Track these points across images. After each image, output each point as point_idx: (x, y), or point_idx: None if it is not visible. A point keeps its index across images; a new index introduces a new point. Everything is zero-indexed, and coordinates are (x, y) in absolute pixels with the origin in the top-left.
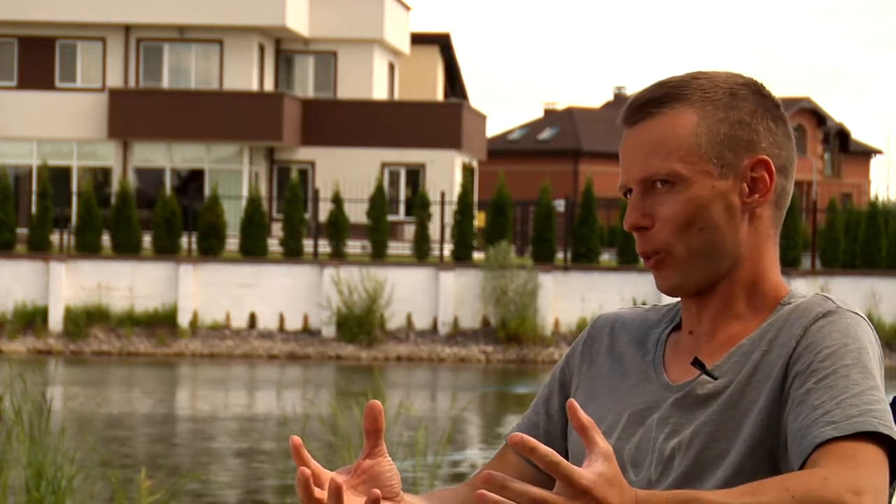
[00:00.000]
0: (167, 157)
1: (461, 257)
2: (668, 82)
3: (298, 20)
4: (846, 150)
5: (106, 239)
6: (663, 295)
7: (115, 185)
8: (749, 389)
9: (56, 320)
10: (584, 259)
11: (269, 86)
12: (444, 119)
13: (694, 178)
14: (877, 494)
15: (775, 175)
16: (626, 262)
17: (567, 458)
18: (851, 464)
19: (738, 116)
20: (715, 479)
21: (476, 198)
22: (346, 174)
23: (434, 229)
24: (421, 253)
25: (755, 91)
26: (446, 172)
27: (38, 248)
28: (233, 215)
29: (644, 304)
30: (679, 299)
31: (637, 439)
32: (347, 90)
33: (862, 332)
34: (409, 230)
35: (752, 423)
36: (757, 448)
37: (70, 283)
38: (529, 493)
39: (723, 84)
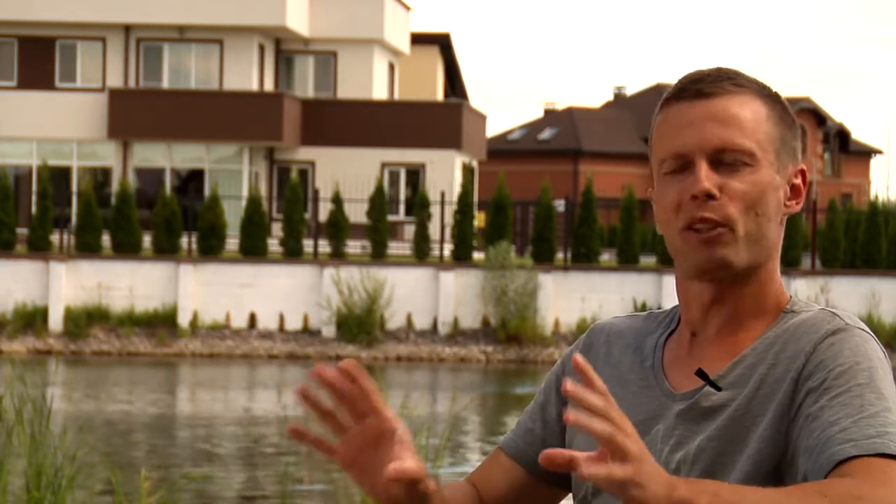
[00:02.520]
0: (167, 157)
1: (461, 257)
2: (731, 70)
3: (298, 20)
4: (846, 150)
5: (106, 239)
6: (664, 295)
7: (115, 185)
8: (755, 404)
9: (56, 320)
10: (584, 259)
11: (269, 86)
12: (444, 119)
13: (763, 164)
14: None
15: (807, 186)
16: (626, 262)
17: None
18: (882, 479)
19: (788, 121)
20: None
21: (476, 198)
22: (346, 174)
23: (434, 229)
24: (421, 253)
25: (787, 104)
26: (446, 172)
27: (38, 248)
28: (233, 215)
29: (644, 305)
30: (675, 305)
31: None
32: (347, 90)
33: (871, 349)
34: (409, 230)
35: (757, 438)
36: (762, 463)
37: (70, 283)
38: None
39: (772, 90)
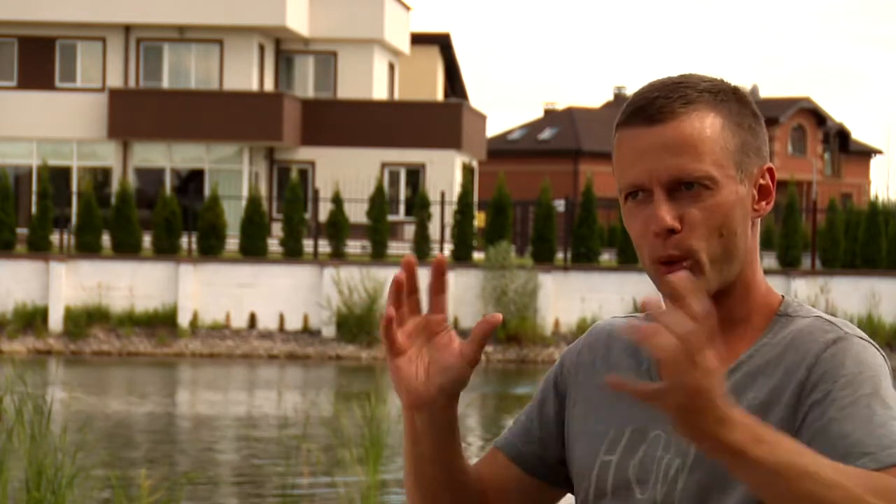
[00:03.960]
0: (167, 157)
1: (461, 257)
2: (680, 82)
3: (298, 20)
4: (846, 150)
5: (106, 239)
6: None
7: (115, 185)
8: (753, 414)
9: (56, 320)
10: (584, 259)
11: (269, 86)
12: (444, 119)
13: (723, 183)
14: None
15: (776, 183)
16: (626, 262)
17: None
18: None
19: (748, 122)
20: None
21: (476, 198)
22: (346, 174)
23: (434, 229)
24: (421, 253)
25: (746, 96)
26: (446, 172)
27: (38, 248)
28: (233, 215)
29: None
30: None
31: (640, 455)
32: (347, 90)
33: (871, 356)
34: (409, 230)
35: None
36: None
37: (70, 283)
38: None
39: (727, 87)
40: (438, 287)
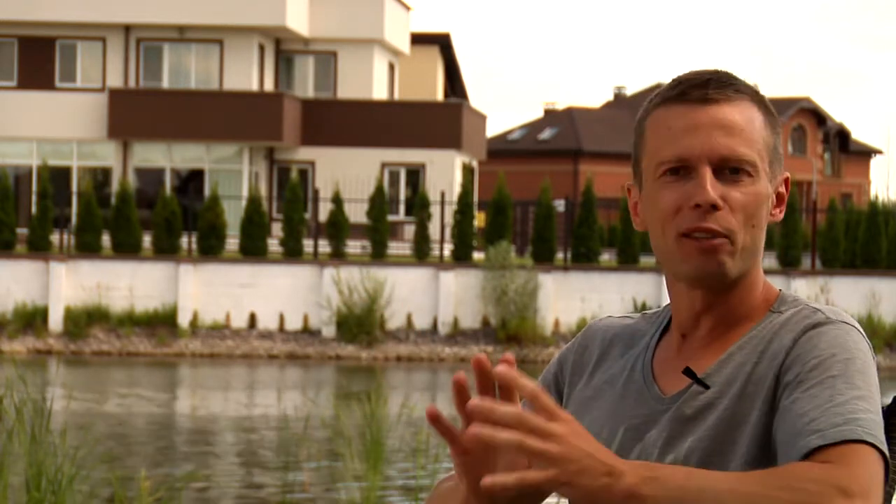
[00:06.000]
0: (167, 157)
1: (461, 257)
2: (727, 73)
3: (298, 20)
4: (846, 150)
5: (106, 239)
6: (664, 295)
7: (115, 185)
8: (742, 403)
9: (56, 320)
10: (584, 259)
11: (269, 86)
12: (444, 119)
13: (761, 174)
14: (868, 497)
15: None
16: (626, 262)
17: None
18: (846, 464)
19: (777, 128)
20: None
21: (476, 198)
22: (346, 174)
23: (434, 229)
24: (421, 253)
25: (774, 110)
26: (446, 172)
27: (38, 248)
28: (233, 215)
29: (644, 304)
30: (667, 304)
31: (635, 455)
32: (347, 90)
33: (851, 341)
34: (409, 230)
35: (747, 437)
36: (754, 463)
37: (70, 283)
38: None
39: (762, 95)
40: (509, 392)
